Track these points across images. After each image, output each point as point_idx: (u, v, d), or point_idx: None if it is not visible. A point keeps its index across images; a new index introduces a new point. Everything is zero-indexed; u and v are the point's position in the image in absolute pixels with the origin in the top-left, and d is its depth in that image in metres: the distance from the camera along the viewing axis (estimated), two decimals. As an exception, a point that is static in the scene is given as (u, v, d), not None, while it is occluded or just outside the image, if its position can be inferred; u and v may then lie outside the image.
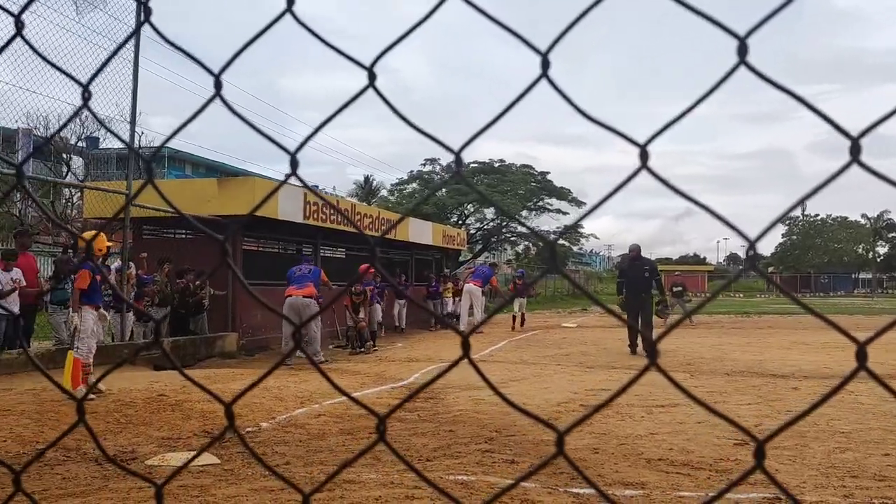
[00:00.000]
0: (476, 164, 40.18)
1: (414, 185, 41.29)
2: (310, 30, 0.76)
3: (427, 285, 20.40)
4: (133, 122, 11.68)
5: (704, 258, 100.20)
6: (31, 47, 0.89)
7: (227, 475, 4.59)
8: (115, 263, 11.84)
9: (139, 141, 20.90)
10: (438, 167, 40.70)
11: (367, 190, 48.70)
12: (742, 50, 0.65)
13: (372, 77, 0.71)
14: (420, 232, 20.27)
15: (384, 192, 46.16)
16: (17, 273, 10.34)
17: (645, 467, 4.77)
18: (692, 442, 5.52)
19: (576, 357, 11.88)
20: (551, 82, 0.71)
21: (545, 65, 0.70)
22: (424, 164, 40.97)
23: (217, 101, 0.82)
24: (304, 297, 11.33)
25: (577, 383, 8.57)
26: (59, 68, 0.85)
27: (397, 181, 43.15)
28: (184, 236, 15.46)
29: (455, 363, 0.76)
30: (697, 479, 4.52)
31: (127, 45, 11.28)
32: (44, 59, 0.92)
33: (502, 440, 5.67)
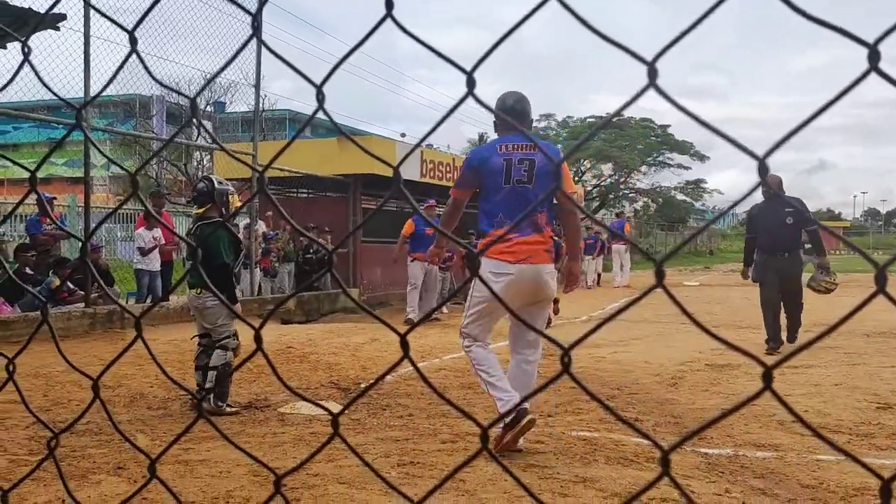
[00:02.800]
0: (592, 119, 39.20)
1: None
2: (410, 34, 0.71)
3: None
4: (258, 87, 12.13)
5: (839, 213, 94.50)
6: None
7: (354, 424, 4.75)
8: (244, 221, 12.40)
9: (263, 104, 21.68)
10: (554, 122, 40.02)
11: (481, 147, 48.44)
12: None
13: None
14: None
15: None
16: (157, 232, 11.03)
17: (777, 429, 4.57)
18: (829, 404, 5.24)
19: (699, 316, 11.41)
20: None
21: (652, 74, 0.63)
22: (539, 120, 40.32)
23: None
24: None
25: (702, 342, 8.29)
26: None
27: (512, 138, 42.76)
28: (306, 195, 15.95)
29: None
30: (836, 442, 4.29)
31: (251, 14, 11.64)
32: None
33: (625, 398, 5.58)
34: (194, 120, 0.89)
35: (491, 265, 3.95)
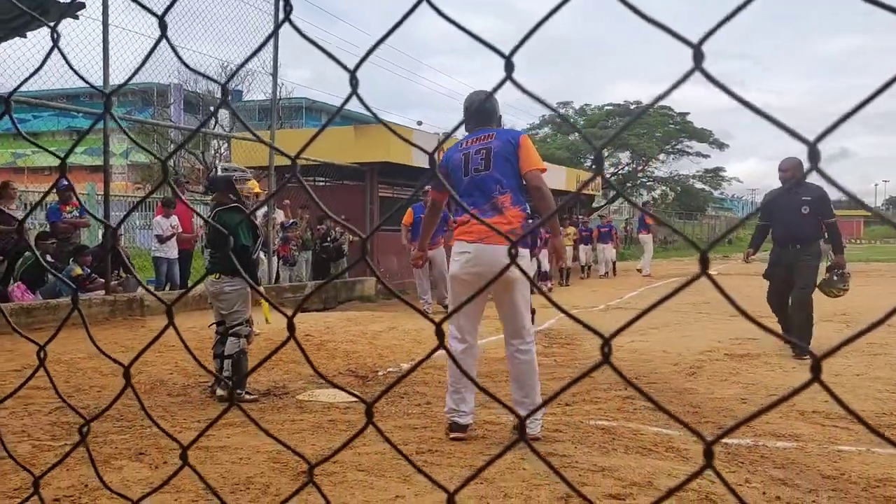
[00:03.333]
0: (610, 107, 38.92)
1: (546, 129, 40.61)
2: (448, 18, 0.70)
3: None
4: (275, 75, 12.14)
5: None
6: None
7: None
8: (262, 210, 12.44)
9: (280, 93, 21.71)
10: (571, 110, 39.79)
11: (498, 135, 48.08)
12: None
13: None
14: (553, 176, 20.00)
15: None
16: (175, 220, 11.10)
17: (798, 419, 4.54)
18: (850, 394, 5.19)
19: (717, 305, 11.43)
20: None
21: (698, 57, 0.61)
22: (557, 107, 40.02)
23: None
24: None
25: (720, 332, 8.26)
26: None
27: (529, 126, 42.61)
28: (323, 183, 15.99)
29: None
30: (857, 433, 4.25)
31: (267, 1, 11.61)
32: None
33: (643, 387, 5.55)
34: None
35: (456, 246, 4.34)
